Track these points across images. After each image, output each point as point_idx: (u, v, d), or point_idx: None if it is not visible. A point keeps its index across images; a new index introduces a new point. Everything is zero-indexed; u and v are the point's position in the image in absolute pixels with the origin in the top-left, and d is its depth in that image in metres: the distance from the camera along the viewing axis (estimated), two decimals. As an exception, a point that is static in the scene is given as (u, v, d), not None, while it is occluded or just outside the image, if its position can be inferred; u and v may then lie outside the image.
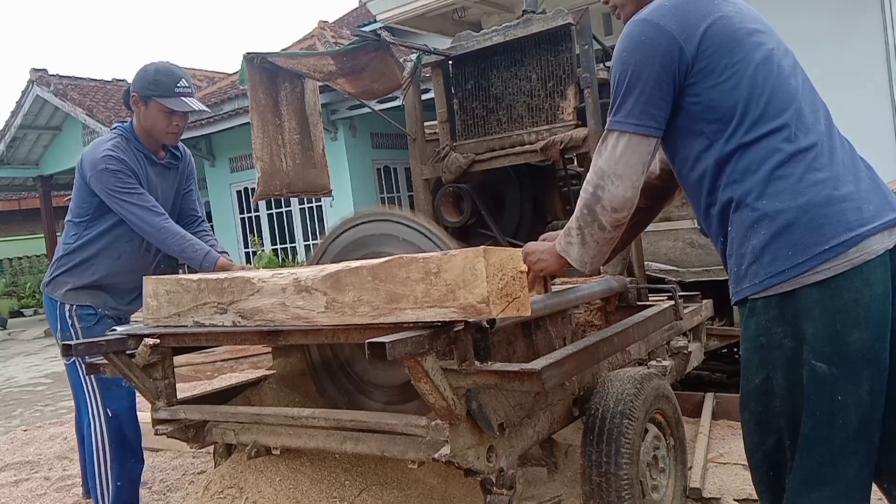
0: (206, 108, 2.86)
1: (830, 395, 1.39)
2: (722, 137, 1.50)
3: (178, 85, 2.69)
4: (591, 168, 1.65)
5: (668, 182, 1.92)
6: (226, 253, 2.84)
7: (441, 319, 1.63)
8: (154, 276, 2.39)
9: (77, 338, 2.73)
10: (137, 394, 2.82)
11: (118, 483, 2.75)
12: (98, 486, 2.77)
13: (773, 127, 1.46)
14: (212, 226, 14.25)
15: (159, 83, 2.68)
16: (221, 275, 2.18)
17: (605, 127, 1.62)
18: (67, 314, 2.78)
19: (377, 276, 1.71)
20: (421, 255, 1.70)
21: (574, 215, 1.71)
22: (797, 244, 1.40)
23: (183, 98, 2.69)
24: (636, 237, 2.14)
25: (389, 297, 1.70)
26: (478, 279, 1.56)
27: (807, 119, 1.48)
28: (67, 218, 2.87)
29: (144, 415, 2.95)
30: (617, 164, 1.58)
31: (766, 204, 1.44)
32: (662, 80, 1.52)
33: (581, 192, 1.68)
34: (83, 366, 2.65)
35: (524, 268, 1.75)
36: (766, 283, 1.44)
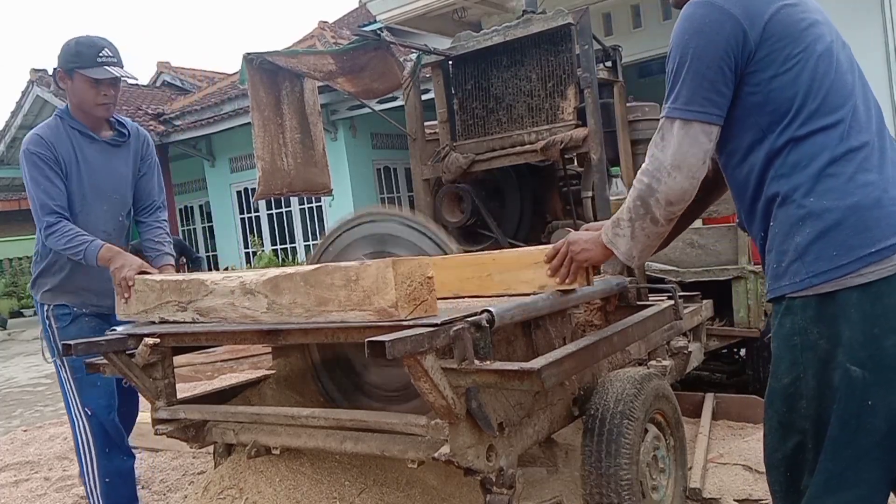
0: (132, 76, 2.77)
1: (861, 399, 1.37)
2: (776, 130, 1.45)
3: (101, 54, 2.60)
4: (647, 157, 1.57)
5: (720, 173, 1.81)
6: (170, 255, 2.83)
7: (360, 321, 1.78)
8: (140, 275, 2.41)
9: (54, 338, 2.74)
10: (129, 393, 2.85)
11: (106, 479, 2.74)
12: (88, 485, 2.77)
13: (828, 123, 1.42)
14: (212, 226, 14.22)
15: (81, 54, 2.60)
16: (180, 276, 2.33)
17: (663, 115, 1.53)
18: (46, 314, 2.77)
19: (308, 282, 1.90)
20: (343, 263, 1.86)
21: (625, 206, 1.64)
22: (842, 245, 1.37)
23: (106, 67, 2.61)
24: (683, 230, 2.04)
25: (318, 300, 1.87)
26: (388, 286, 1.73)
27: (861, 117, 1.45)
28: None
29: (144, 415, 2.96)
30: (675, 155, 1.50)
31: (814, 202, 1.40)
32: (725, 65, 1.45)
33: (634, 181, 1.60)
34: (65, 367, 2.69)
35: (431, 274, 1.77)
36: (807, 282, 1.40)
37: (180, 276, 2.30)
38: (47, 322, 2.76)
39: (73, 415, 2.75)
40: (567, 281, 1.98)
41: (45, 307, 2.76)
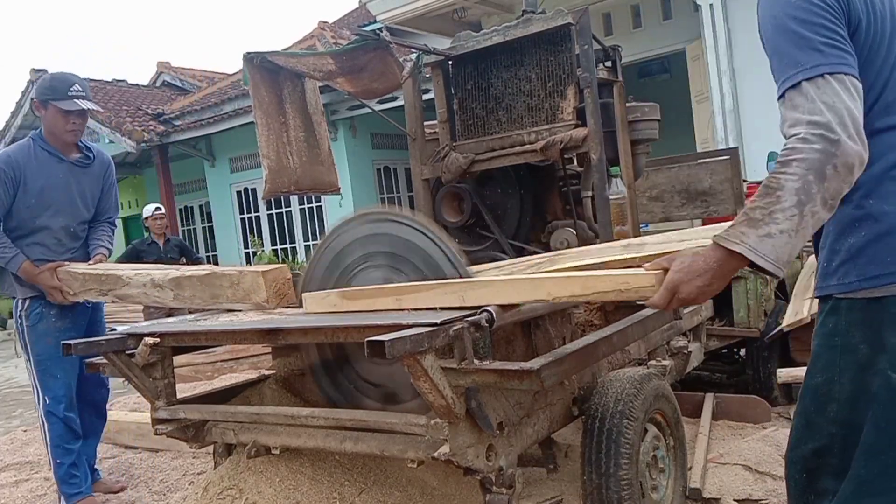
0: (96, 108, 3.20)
1: None
2: None
3: (71, 89, 2.99)
4: (794, 134, 1.27)
5: None
6: (104, 250, 3.20)
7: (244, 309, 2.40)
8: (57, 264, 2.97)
9: (23, 332, 3.13)
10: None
11: (58, 461, 3.08)
12: (54, 472, 3.13)
13: None
14: (212, 226, 14.14)
15: (55, 88, 3.00)
16: (98, 269, 2.91)
17: (789, 85, 1.30)
18: (19, 312, 3.13)
19: (203, 282, 2.55)
20: (228, 269, 2.53)
21: (783, 192, 1.26)
22: None
23: (76, 100, 2.99)
24: None
25: (211, 295, 2.52)
26: (260, 288, 2.41)
27: None
28: None
29: (144, 415, 2.97)
30: (840, 111, 1.24)
31: (874, 204, 1.36)
32: (839, 25, 1.32)
33: (789, 160, 1.27)
34: (30, 359, 3.09)
35: (289, 276, 2.19)
36: (857, 284, 1.38)
37: (99, 270, 2.91)
38: (20, 320, 3.13)
39: (37, 403, 3.12)
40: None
41: (19, 304, 3.11)
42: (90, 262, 3.11)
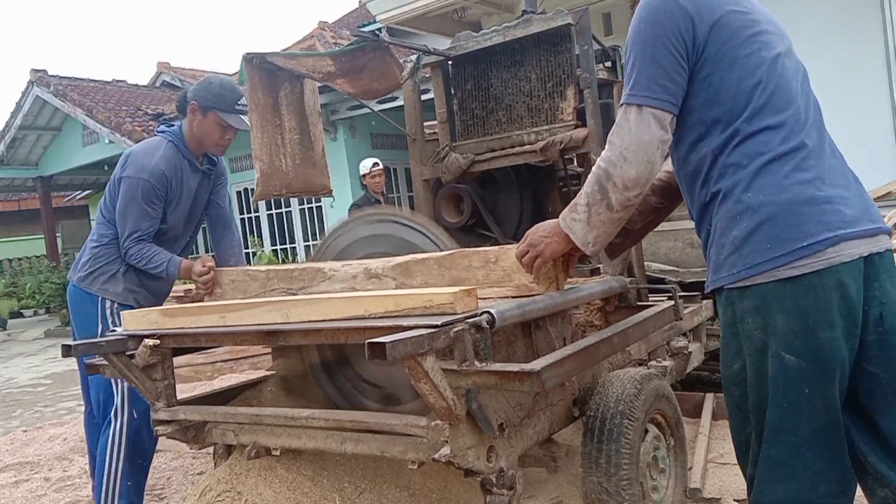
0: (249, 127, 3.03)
1: (798, 388, 1.42)
2: (718, 128, 1.52)
3: (239, 103, 2.84)
4: (606, 145, 1.61)
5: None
6: (239, 260, 3.07)
7: (497, 297, 1.99)
8: (218, 268, 2.67)
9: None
10: None
11: (129, 483, 2.80)
12: (105, 486, 2.79)
13: (771, 124, 1.48)
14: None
15: (222, 97, 2.81)
16: (290, 265, 2.45)
17: (622, 103, 1.58)
18: (107, 312, 2.87)
19: (443, 265, 2.09)
20: (481, 248, 2.06)
21: (583, 190, 1.67)
22: (775, 238, 1.42)
23: (241, 116, 2.85)
24: (645, 236, 2.13)
25: (453, 280, 2.05)
26: None
27: (802, 121, 1.50)
28: (98, 215, 2.99)
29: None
30: (631, 140, 1.54)
31: (751, 196, 1.46)
32: (677, 52, 1.51)
33: (594, 168, 1.64)
34: None
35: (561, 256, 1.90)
36: (743, 273, 1.46)
37: (291, 266, 2.45)
38: (109, 319, 2.86)
39: (116, 411, 2.79)
40: (534, 279, 1.96)
41: (108, 304, 2.86)
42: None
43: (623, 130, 1.56)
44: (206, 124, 2.83)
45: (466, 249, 2.07)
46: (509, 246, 1.97)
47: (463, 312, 1.73)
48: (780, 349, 1.43)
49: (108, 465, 2.79)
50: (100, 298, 2.87)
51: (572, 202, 1.71)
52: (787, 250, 1.41)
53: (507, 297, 1.93)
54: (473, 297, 1.79)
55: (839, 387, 1.44)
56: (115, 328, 2.74)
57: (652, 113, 1.53)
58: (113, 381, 2.78)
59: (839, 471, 1.47)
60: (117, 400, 2.80)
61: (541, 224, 1.86)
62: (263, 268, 2.46)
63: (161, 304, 2.86)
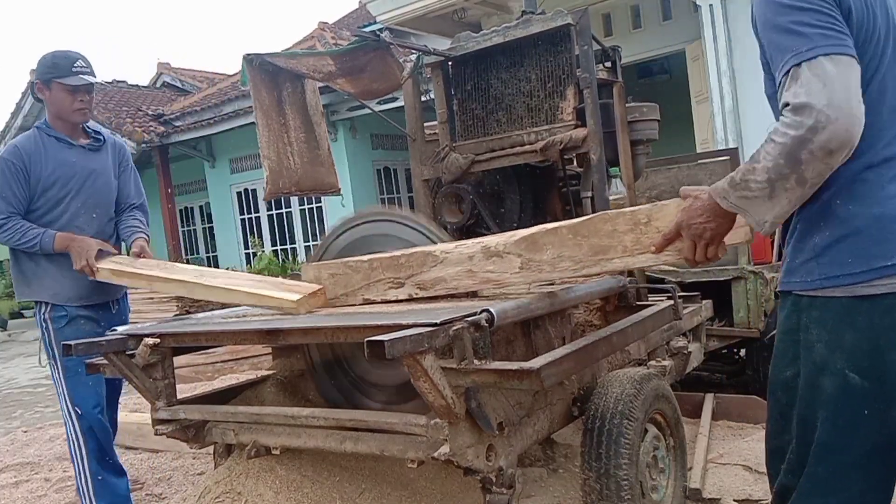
0: (100, 81, 3.02)
1: (857, 408, 1.37)
2: None
3: (76, 65, 2.79)
4: (781, 115, 1.32)
5: None
6: (145, 236, 2.95)
7: (652, 264, 1.77)
8: (315, 263, 2.50)
9: (50, 339, 2.85)
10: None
11: (99, 478, 2.83)
12: (80, 486, 2.87)
13: (874, 122, 1.35)
14: (212, 227, 14.12)
15: (57, 66, 2.79)
16: (397, 252, 2.25)
17: (789, 66, 1.31)
18: (43, 316, 2.86)
19: (579, 233, 1.85)
20: (628, 209, 1.78)
21: (759, 165, 1.34)
22: (859, 253, 1.35)
23: (81, 75, 2.80)
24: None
25: (594, 249, 1.82)
26: None
27: None
28: None
29: (145, 416, 2.96)
30: (831, 91, 1.25)
31: (840, 205, 1.38)
32: (832, 10, 1.32)
33: (771, 138, 1.33)
34: (57, 366, 2.81)
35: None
36: (818, 283, 1.40)
37: (397, 252, 2.24)
38: (44, 325, 2.86)
39: (65, 414, 2.85)
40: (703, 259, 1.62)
41: (42, 309, 2.86)
42: (134, 250, 2.89)
43: (812, 88, 1.26)
44: (54, 97, 2.83)
45: (609, 212, 1.79)
46: (664, 202, 1.67)
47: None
48: (844, 367, 1.37)
49: (78, 469, 2.86)
50: (36, 303, 2.88)
51: (733, 178, 1.40)
52: (869, 267, 1.34)
53: (666, 266, 1.73)
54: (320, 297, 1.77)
55: None
56: (51, 331, 2.82)
57: (846, 60, 1.29)
58: (57, 381, 2.84)
59: (883, 493, 1.44)
60: (62, 404, 2.85)
61: (686, 210, 1.54)
62: (367, 258, 2.29)
63: (89, 297, 2.85)
